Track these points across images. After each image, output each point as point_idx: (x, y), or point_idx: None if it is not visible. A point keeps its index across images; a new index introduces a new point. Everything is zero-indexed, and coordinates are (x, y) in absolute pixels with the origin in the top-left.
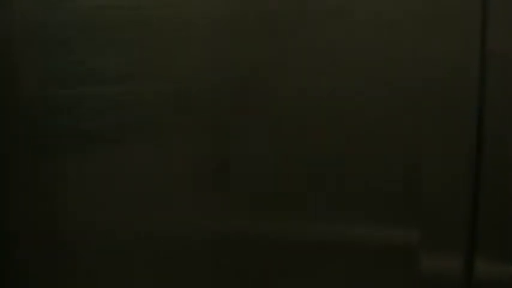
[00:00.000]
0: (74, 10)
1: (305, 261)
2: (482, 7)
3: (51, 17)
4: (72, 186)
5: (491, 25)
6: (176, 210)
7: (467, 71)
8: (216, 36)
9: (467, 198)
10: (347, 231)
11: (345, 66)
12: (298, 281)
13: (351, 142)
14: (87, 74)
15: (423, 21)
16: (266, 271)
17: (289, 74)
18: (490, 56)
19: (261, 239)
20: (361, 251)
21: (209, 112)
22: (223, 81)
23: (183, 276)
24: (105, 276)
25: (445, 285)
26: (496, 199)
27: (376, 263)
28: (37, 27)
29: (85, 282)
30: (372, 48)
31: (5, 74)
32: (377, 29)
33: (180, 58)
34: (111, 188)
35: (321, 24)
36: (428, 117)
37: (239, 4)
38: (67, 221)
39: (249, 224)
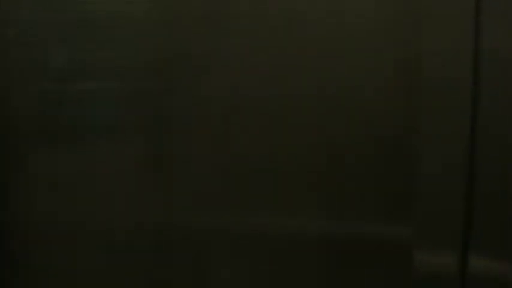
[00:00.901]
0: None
1: (296, 258)
2: (476, 6)
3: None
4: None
5: (484, 24)
6: (119, 206)
7: (461, 69)
8: (155, 33)
9: (462, 196)
10: (340, 228)
11: (333, 64)
12: (288, 277)
13: (345, 139)
14: (33, 70)
15: (416, 20)
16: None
17: (232, 72)
18: (483, 54)
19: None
20: (355, 248)
21: (149, 109)
22: (161, 79)
23: (129, 269)
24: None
25: (439, 282)
26: (490, 196)
27: (370, 260)
28: None
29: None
30: (364, 46)
31: None
32: (370, 27)
33: (121, 55)
34: (58, 185)
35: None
36: (422, 115)
37: (179, 3)
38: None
39: (192, 219)
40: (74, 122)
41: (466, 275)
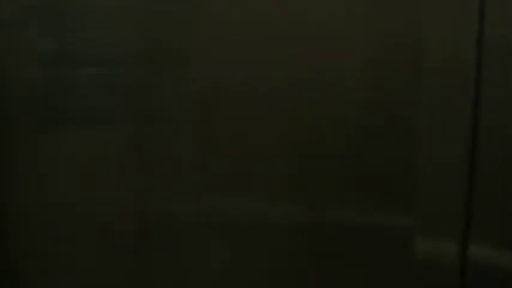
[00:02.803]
0: None
1: (294, 246)
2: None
3: None
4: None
5: (487, 19)
6: (101, 193)
7: (462, 68)
8: (139, 23)
9: (463, 184)
10: (341, 217)
11: (330, 60)
12: (290, 266)
13: (350, 129)
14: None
15: (420, 9)
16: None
17: (214, 63)
18: (485, 52)
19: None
20: (357, 235)
21: (133, 96)
22: (146, 66)
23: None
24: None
25: (440, 271)
26: (490, 184)
27: (371, 248)
28: None
29: None
30: (362, 43)
31: None
32: (371, 18)
33: (103, 44)
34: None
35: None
36: (425, 106)
37: None
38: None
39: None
40: (56, 109)
41: (466, 263)
